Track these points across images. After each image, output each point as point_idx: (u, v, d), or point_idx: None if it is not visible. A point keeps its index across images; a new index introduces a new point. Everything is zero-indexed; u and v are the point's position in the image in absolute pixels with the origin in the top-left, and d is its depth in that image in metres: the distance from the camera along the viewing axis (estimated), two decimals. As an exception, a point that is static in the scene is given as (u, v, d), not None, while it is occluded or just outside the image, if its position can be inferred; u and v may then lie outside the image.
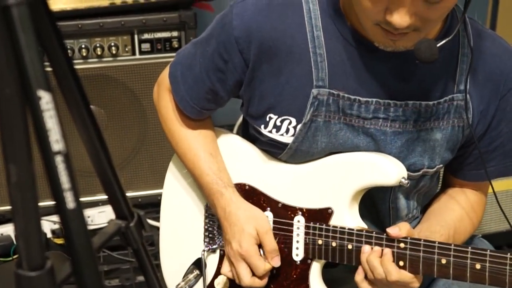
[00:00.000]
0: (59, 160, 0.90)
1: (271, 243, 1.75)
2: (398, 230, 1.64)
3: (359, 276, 1.68)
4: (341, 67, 1.66)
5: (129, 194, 2.99)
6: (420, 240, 1.61)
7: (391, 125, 1.68)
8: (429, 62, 1.54)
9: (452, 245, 1.58)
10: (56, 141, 0.89)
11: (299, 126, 1.69)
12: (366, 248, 1.67)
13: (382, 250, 1.64)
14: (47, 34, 0.98)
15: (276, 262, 1.75)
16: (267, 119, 1.73)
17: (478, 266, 1.55)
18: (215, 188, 1.80)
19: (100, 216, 2.91)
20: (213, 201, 1.82)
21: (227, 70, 1.73)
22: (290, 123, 1.71)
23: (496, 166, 1.79)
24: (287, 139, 1.72)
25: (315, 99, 1.66)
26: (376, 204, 1.79)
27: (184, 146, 1.88)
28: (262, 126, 1.75)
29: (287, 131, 1.72)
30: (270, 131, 1.74)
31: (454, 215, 1.81)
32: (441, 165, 1.76)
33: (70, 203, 0.92)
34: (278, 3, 1.68)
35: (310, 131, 1.69)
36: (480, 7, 3.46)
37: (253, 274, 1.75)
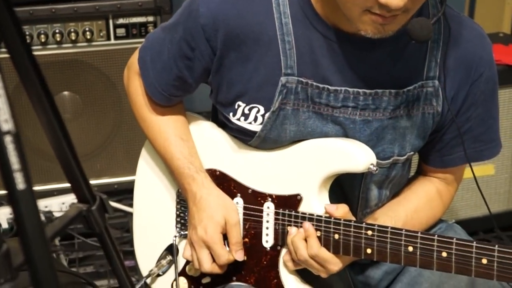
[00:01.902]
0: (8, 140, 0.89)
1: (237, 236, 1.75)
2: (335, 209, 1.67)
3: (286, 256, 1.73)
4: (310, 55, 1.65)
5: (105, 180, 2.98)
6: (387, 227, 1.61)
7: (360, 114, 1.67)
8: (424, 40, 1.55)
9: (419, 232, 1.58)
10: (5, 121, 0.88)
11: (267, 114, 1.68)
12: (292, 230, 1.70)
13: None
14: (3, 20, 0.96)
15: (240, 255, 1.75)
16: (236, 106, 1.72)
17: (444, 254, 1.55)
18: (187, 172, 1.79)
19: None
20: (183, 185, 1.81)
21: (194, 58, 1.72)
22: (258, 111, 1.70)
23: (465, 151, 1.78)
24: (255, 127, 1.71)
25: (284, 87, 1.65)
26: (345, 192, 1.78)
27: (155, 131, 1.87)
28: (231, 114, 1.74)
29: (255, 119, 1.71)
30: (239, 119, 1.73)
31: (409, 206, 1.81)
32: (412, 153, 1.76)
33: (20, 184, 0.91)
34: None
35: (279, 119, 1.68)
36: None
37: (214, 261, 1.75)
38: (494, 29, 3.25)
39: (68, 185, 2.98)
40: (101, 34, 2.81)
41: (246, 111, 1.71)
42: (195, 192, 1.78)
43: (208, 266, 1.75)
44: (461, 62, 1.69)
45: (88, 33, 2.78)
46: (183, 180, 1.80)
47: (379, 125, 1.68)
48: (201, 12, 1.67)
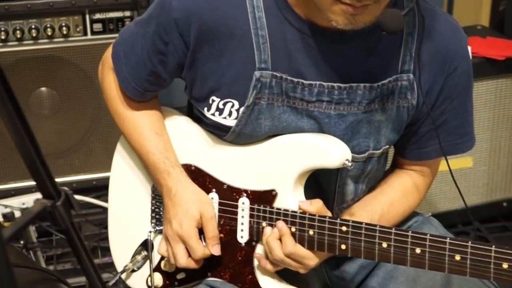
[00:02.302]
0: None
1: (213, 230, 1.74)
2: (309, 204, 1.66)
3: (262, 260, 1.72)
4: (284, 49, 1.64)
5: (83, 176, 2.97)
6: (361, 223, 1.60)
7: (335, 108, 1.66)
8: (395, 32, 1.53)
9: (393, 229, 1.57)
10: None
11: (242, 109, 1.67)
12: (267, 230, 1.68)
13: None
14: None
15: (216, 250, 1.74)
16: (210, 101, 1.71)
17: (418, 250, 1.54)
18: (162, 167, 1.78)
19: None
20: (159, 180, 1.80)
21: (167, 52, 1.71)
22: (232, 106, 1.69)
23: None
24: (230, 122, 1.70)
25: (258, 81, 1.64)
26: (321, 187, 1.77)
27: (129, 126, 1.85)
28: (205, 109, 1.73)
29: (230, 114, 1.70)
30: (213, 114, 1.72)
31: (385, 199, 1.80)
32: (387, 146, 1.75)
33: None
34: None
35: (253, 114, 1.67)
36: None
37: (189, 256, 1.74)
38: (473, 22, 3.26)
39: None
40: (78, 29, 2.79)
41: (221, 106, 1.70)
42: (171, 186, 1.76)
43: (183, 261, 1.74)
44: (435, 56, 1.68)
45: (64, 28, 2.76)
46: (158, 175, 1.79)
47: (354, 119, 1.68)
48: (174, 6, 1.65)
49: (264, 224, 1.70)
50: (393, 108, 1.69)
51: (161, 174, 1.79)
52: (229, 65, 1.67)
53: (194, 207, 1.74)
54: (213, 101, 1.71)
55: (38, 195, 2.76)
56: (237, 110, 1.69)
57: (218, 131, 1.76)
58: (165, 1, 1.68)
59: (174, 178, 1.77)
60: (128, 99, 1.85)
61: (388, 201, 1.80)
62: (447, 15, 1.76)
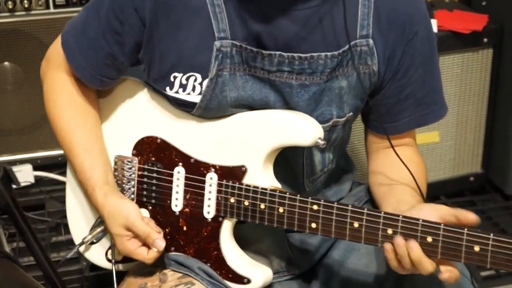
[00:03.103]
0: None
1: (143, 231, 1.71)
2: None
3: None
4: (241, 18, 1.62)
5: (48, 153, 2.96)
6: (333, 203, 1.58)
7: (296, 78, 1.65)
8: None
9: (365, 209, 1.56)
10: None
11: (205, 83, 1.65)
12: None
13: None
14: None
15: (158, 246, 1.71)
16: (172, 79, 1.68)
17: (389, 231, 1.53)
18: (85, 187, 1.79)
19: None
20: None
21: (124, 32, 1.68)
22: (195, 80, 1.66)
23: (410, 116, 1.77)
24: (195, 98, 1.68)
25: (219, 51, 1.62)
26: (289, 160, 1.76)
27: (61, 138, 1.82)
28: (167, 88, 1.70)
29: (194, 89, 1.67)
30: (177, 92, 1.69)
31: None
32: (351, 114, 1.73)
33: None
34: None
35: (218, 87, 1.65)
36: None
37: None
38: (443, -5, 3.25)
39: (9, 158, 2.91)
40: (40, 2, 2.75)
41: (184, 82, 1.67)
42: (96, 208, 1.79)
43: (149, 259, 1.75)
44: (393, 20, 1.66)
45: (26, 1, 2.72)
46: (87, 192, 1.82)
47: (317, 89, 1.66)
48: None
49: (232, 200, 1.68)
50: (354, 74, 1.68)
51: (88, 193, 1.80)
52: (188, 37, 1.64)
53: (114, 224, 1.74)
54: (175, 77, 1.68)
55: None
56: (200, 84, 1.66)
57: (184, 108, 1.73)
58: None
59: (95, 198, 1.77)
60: (65, 103, 1.81)
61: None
62: None
